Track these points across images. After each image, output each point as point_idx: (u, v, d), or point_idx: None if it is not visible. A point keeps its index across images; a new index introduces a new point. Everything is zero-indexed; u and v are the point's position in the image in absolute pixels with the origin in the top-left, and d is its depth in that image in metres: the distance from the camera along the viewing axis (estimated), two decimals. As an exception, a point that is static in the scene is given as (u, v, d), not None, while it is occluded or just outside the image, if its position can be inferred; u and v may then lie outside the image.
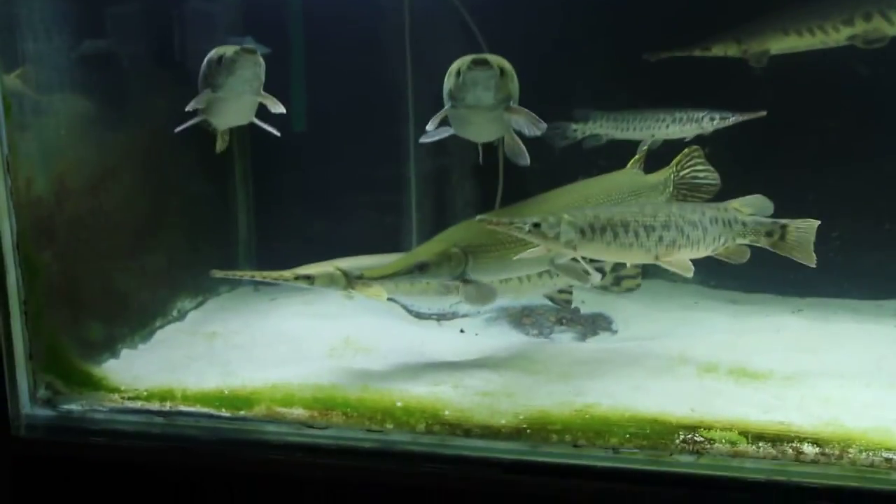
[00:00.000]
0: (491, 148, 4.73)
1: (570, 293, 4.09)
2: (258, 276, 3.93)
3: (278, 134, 3.67)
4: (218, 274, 3.78)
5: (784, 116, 4.43)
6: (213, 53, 3.42)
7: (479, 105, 3.24)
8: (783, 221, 3.32)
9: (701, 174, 3.68)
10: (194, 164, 4.66)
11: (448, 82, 3.28)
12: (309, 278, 3.71)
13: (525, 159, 3.45)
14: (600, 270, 4.07)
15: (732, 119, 4.15)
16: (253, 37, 4.34)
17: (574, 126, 4.45)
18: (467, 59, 3.18)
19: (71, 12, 3.83)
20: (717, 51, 4.35)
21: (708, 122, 4.17)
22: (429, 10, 4.77)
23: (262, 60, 3.41)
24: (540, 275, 3.82)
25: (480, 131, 3.52)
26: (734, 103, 4.21)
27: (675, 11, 4.39)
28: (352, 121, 4.96)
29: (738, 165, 4.15)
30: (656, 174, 3.77)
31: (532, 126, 3.34)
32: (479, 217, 3.20)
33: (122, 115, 4.18)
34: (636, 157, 3.78)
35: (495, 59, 3.18)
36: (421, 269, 3.39)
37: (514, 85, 3.30)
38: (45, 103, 3.71)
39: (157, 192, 4.42)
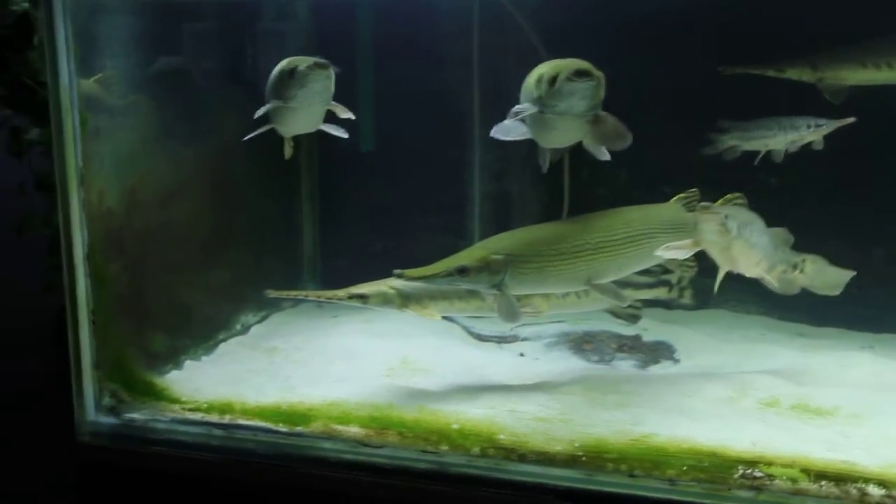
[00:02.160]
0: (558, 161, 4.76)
1: (638, 307, 4.05)
2: (312, 295, 3.95)
3: (346, 135, 3.64)
4: (272, 294, 3.82)
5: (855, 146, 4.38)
6: (285, 65, 3.43)
7: (572, 112, 3.18)
8: None
9: None
10: (262, 180, 4.72)
11: (537, 88, 3.19)
12: (363, 297, 3.73)
13: (605, 154, 3.39)
14: (666, 283, 4.03)
15: (825, 126, 4.01)
16: (322, 56, 4.40)
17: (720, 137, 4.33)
18: (564, 66, 3.09)
19: (147, 29, 3.92)
20: (792, 74, 4.25)
21: (805, 129, 4.05)
22: (497, 32, 4.78)
23: (332, 74, 3.42)
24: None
25: (562, 138, 3.44)
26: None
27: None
28: (417, 141, 4.99)
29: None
30: None
31: (617, 139, 3.25)
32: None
33: (194, 131, 4.26)
34: (684, 194, 3.75)
35: (594, 69, 3.11)
36: (461, 272, 3.37)
37: (603, 92, 3.24)
38: (120, 118, 3.81)
39: (225, 207, 4.49)
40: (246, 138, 3.65)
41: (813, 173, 4.41)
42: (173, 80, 4.17)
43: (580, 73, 3.04)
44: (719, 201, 3.70)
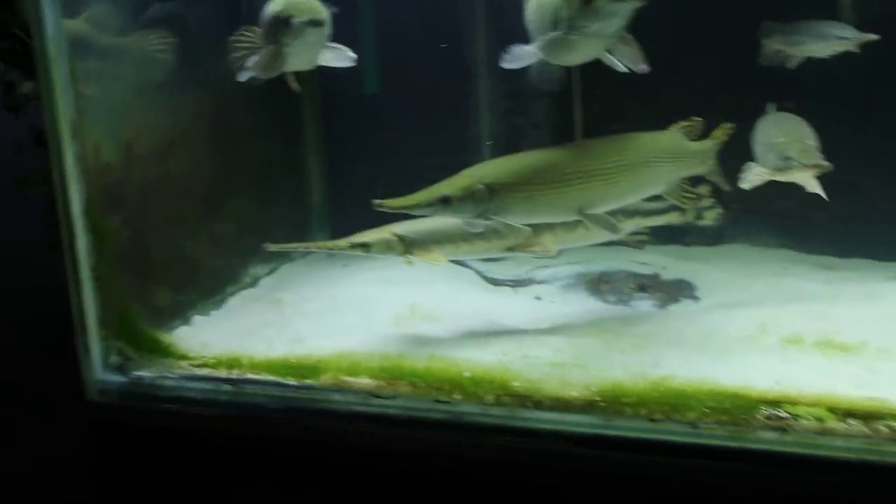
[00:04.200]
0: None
1: (646, 233, 3.93)
2: (313, 246, 3.91)
3: (353, 62, 3.53)
4: (272, 247, 3.71)
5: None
6: (279, 11, 3.31)
7: (602, 34, 3.06)
8: None
9: None
10: (265, 128, 4.61)
11: (565, 9, 3.03)
12: (365, 246, 3.61)
13: (644, 64, 3.20)
14: (677, 208, 3.89)
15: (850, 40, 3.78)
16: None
17: None
18: None
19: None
20: None
21: (834, 40, 3.83)
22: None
23: (327, 23, 3.31)
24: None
25: (581, 57, 3.27)
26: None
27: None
28: (423, 81, 4.85)
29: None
30: (700, 143, 3.63)
31: (638, 60, 3.14)
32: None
33: (191, 80, 4.12)
34: (686, 122, 3.63)
35: None
36: (443, 202, 3.25)
37: None
38: (113, 64, 3.68)
39: (228, 157, 4.38)
40: (240, 79, 3.53)
41: (834, 98, 4.24)
42: (168, 26, 4.02)
43: None
44: (716, 130, 3.68)
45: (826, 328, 3.42)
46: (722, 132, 3.66)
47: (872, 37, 3.69)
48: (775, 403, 2.88)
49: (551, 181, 3.23)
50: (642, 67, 3.16)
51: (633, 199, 3.49)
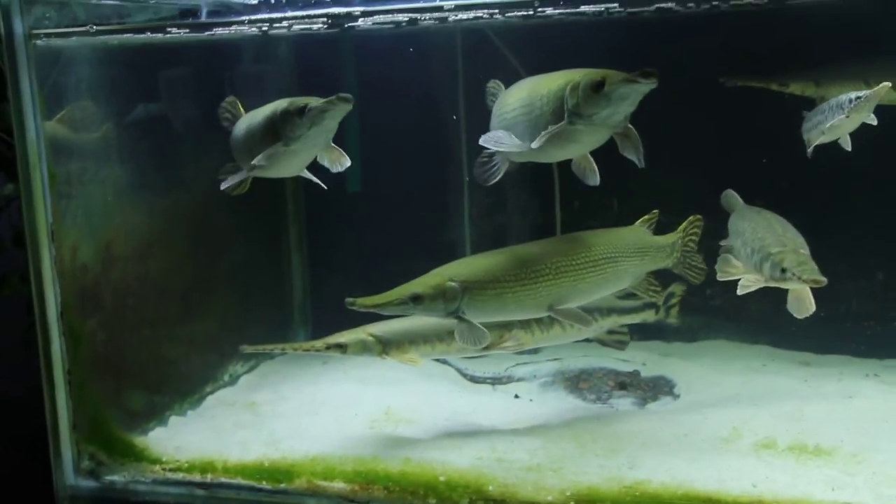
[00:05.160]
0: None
1: (625, 334, 3.93)
2: (289, 348, 3.86)
3: (325, 187, 3.56)
4: (248, 349, 3.71)
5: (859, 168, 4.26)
6: (288, 105, 3.24)
7: (608, 123, 2.97)
8: None
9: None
10: (246, 227, 4.63)
11: (571, 97, 2.95)
12: (341, 347, 3.62)
13: (596, 179, 3.19)
14: (652, 306, 3.90)
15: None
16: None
17: None
18: (600, 72, 2.90)
19: (120, 78, 3.85)
20: (795, 89, 4.14)
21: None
22: (482, 65, 4.69)
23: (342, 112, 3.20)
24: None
25: (580, 150, 3.16)
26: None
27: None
28: (406, 181, 4.89)
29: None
30: (665, 236, 3.66)
31: (639, 152, 3.05)
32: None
33: (171, 180, 4.17)
34: (647, 216, 3.66)
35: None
36: (415, 300, 3.25)
37: None
38: (91, 167, 3.72)
39: (208, 256, 4.40)
40: (224, 187, 3.52)
41: (810, 195, 4.31)
42: (149, 128, 4.08)
43: (648, 75, 2.76)
44: (683, 223, 3.69)
45: (801, 429, 3.42)
46: (688, 224, 3.68)
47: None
48: (750, 508, 2.87)
49: (521, 278, 3.24)
50: (641, 162, 3.07)
51: (600, 294, 3.50)
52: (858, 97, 3.19)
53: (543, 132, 3.01)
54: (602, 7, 3.51)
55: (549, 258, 3.29)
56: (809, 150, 3.54)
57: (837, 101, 3.30)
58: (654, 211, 3.68)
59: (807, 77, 4.09)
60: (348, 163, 3.37)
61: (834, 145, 3.73)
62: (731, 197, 3.73)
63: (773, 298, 3.34)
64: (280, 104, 3.30)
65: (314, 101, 3.19)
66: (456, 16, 3.48)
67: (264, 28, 3.61)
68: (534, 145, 3.03)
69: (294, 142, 3.25)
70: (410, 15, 3.43)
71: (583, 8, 3.54)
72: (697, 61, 4.23)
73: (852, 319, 4.47)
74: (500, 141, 3.20)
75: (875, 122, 3.29)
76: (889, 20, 3.84)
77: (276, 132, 3.29)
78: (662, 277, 3.75)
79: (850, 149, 3.47)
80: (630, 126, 3.04)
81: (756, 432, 3.41)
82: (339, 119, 3.22)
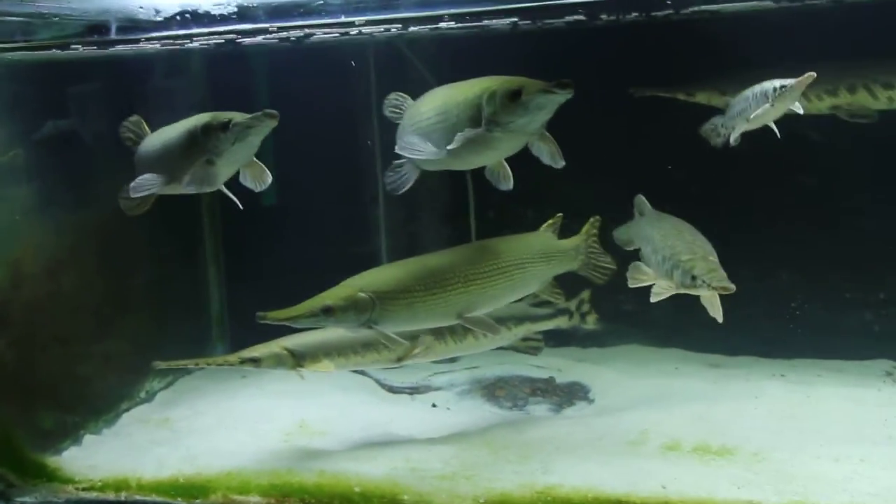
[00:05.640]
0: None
1: (539, 340, 3.99)
2: (203, 363, 3.83)
3: (241, 206, 3.49)
4: (161, 365, 3.68)
5: (760, 173, 4.41)
6: (211, 119, 3.20)
7: (525, 131, 3.02)
8: None
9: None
10: (161, 242, 4.59)
11: (490, 104, 2.98)
12: (255, 361, 3.61)
13: (510, 184, 3.22)
14: (566, 312, 3.97)
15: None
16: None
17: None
18: (531, 82, 2.93)
19: (25, 95, 3.79)
20: (701, 98, 4.25)
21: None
22: (395, 77, 4.73)
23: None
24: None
25: (496, 156, 3.21)
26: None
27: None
28: (321, 194, 4.90)
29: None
30: (569, 240, 3.72)
31: (557, 157, 3.11)
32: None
33: (81, 197, 4.11)
34: (551, 220, 3.72)
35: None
36: (326, 312, 3.28)
37: None
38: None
39: (121, 272, 4.35)
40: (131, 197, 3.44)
41: (716, 201, 4.44)
42: (59, 144, 4.03)
43: (564, 86, 2.83)
44: (585, 226, 3.75)
45: (707, 430, 3.52)
46: (590, 226, 3.75)
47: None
48: (658, 509, 2.95)
49: (431, 288, 3.29)
50: (560, 163, 3.12)
51: (510, 300, 3.56)
52: (783, 86, 3.20)
53: (460, 134, 3.04)
54: (510, 21, 3.62)
55: (458, 267, 3.35)
56: (734, 137, 3.57)
57: (762, 90, 3.31)
58: (559, 215, 3.74)
59: (713, 87, 4.21)
60: (270, 179, 3.35)
61: (742, 150, 3.89)
62: (641, 202, 3.81)
63: (683, 303, 3.45)
64: (201, 118, 3.26)
65: (238, 117, 3.17)
66: (361, 30, 3.51)
67: (173, 44, 3.60)
68: (450, 147, 3.07)
69: (218, 157, 3.22)
70: (317, 31, 3.46)
71: (494, 22, 3.65)
72: (607, 71, 4.33)
73: (759, 321, 4.60)
74: (416, 148, 3.23)
75: (801, 111, 3.31)
76: (790, 30, 3.97)
77: (197, 148, 3.25)
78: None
79: (780, 136, 3.45)
80: (546, 133, 3.10)
81: (664, 434, 3.51)
82: (263, 135, 3.20)
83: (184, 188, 3.34)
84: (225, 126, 3.16)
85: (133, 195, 3.40)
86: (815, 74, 3.12)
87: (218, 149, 3.20)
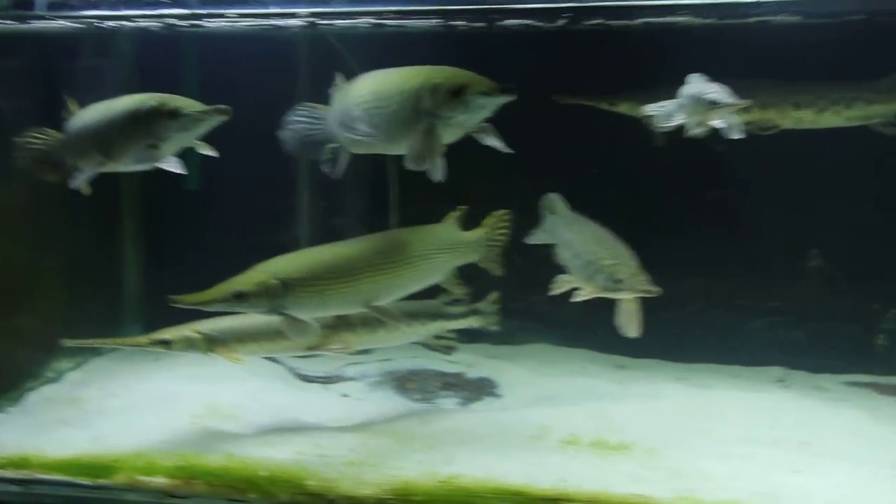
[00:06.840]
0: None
1: (453, 339, 4.07)
2: (112, 343, 3.82)
3: (184, 172, 3.44)
4: (70, 343, 3.66)
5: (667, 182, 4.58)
6: (158, 105, 3.19)
7: (464, 126, 3.09)
8: None
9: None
10: (79, 220, 4.54)
11: (429, 98, 3.03)
12: (166, 343, 3.63)
13: (440, 174, 3.18)
14: (478, 312, 4.05)
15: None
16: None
17: None
18: (475, 81, 2.99)
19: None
20: (623, 108, 4.38)
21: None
22: (326, 67, 4.76)
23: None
24: (409, 322, 3.84)
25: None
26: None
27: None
28: (246, 179, 4.90)
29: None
30: (473, 232, 3.79)
31: (500, 143, 3.15)
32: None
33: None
34: (454, 212, 3.78)
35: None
36: (238, 297, 3.33)
37: None
38: None
39: (34, 249, 4.31)
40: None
41: (630, 203, 4.58)
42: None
43: (506, 91, 2.93)
44: (488, 218, 3.80)
45: (606, 427, 3.65)
46: (493, 220, 3.80)
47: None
48: (554, 500, 3.06)
49: (341, 275, 3.37)
50: (506, 149, 3.15)
51: (415, 288, 3.64)
52: (716, 102, 3.23)
53: (412, 133, 3.08)
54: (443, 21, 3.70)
55: (367, 256, 3.43)
56: (660, 134, 3.68)
57: (695, 97, 3.33)
58: (462, 207, 3.80)
59: (635, 98, 4.35)
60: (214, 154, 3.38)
61: (654, 158, 4.02)
62: (553, 201, 3.87)
63: (592, 304, 3.57)
64: (145, 101, 3.25)
65: (187, 105, 3.18)
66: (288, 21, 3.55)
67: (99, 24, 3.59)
68: (405, 153, 3.08)
69: (161, 143, 3.22)
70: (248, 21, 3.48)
71: (424, 23, 3.72)
72: (534, 76, 4.43)
73: (664, 325, 4.75)
74: (354, 128, 3.26)
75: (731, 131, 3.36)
76: (714, 47, 4.11)
77: (140, 130, 3.24)
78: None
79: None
80: (488, 126, 3.16)
81: (564, 430, 3.62)
82: (209, 129, 3.23)
83: (122, 168, 3.38)
84: (173, 113, 3.17)
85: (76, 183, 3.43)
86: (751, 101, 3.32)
87: (163, 135, 3.21)
